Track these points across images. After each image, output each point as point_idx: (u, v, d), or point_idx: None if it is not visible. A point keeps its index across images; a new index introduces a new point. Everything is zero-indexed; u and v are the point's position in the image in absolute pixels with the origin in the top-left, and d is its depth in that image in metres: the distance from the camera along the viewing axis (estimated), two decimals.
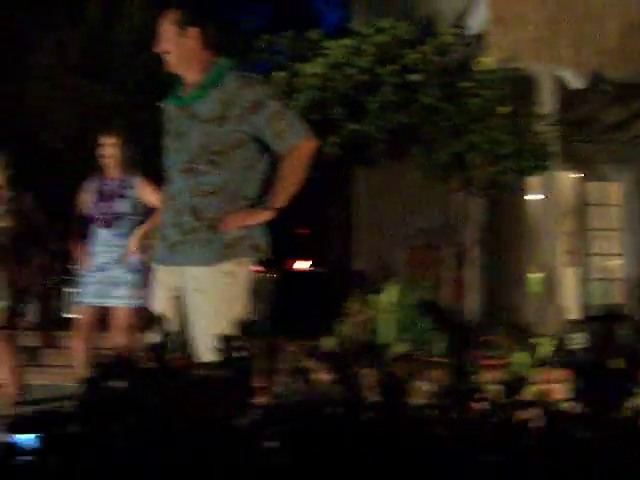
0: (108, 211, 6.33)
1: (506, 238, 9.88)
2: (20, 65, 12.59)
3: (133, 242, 6.20)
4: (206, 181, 3.52)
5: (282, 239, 6.65)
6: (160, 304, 3.64)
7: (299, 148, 3.55)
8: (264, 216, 3.53)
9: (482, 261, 9.13)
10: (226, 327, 3.36)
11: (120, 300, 6.23)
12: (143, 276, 6.28)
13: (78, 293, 6.36)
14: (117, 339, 6.26)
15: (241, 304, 3.56)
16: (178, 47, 3.61)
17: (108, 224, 6.31)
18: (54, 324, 9.23)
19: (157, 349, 1.22)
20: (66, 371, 7.20)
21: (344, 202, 15.66)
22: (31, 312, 6.94)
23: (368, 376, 1.20)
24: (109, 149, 6.34)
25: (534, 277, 8.95)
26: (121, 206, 6.32)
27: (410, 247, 10.80)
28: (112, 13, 13.48)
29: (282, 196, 3.53)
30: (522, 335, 6.86)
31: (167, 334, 1.30)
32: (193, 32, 3.61)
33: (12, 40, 12.66)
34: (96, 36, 12.94)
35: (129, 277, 6.23)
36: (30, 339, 8.51)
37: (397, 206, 11.22)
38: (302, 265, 26.03)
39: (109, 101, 12.16)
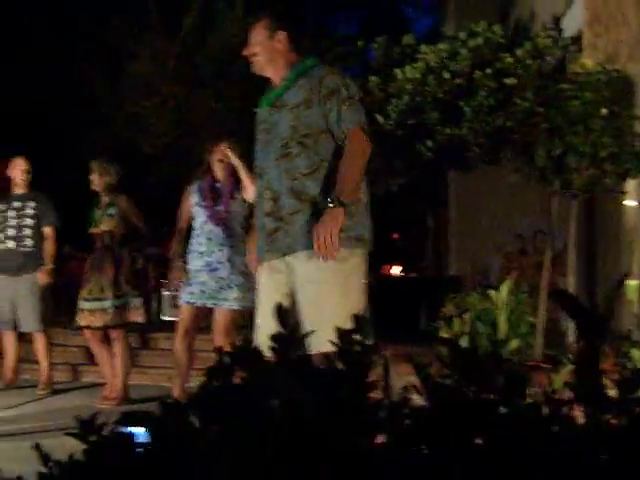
0: (219, 211, 6.43)
1: (603, 244, 9.68)
2: (118, 74, 12.91)
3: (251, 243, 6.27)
4: (301, 163, 3.62)
5: (377, 244, 6.66)
6: (270, 297, 3.60)
7: (351, 137, 3.63)
8: (340, 215, 3.49)
9: (578, 267, 8.96)
10: (343, 318, 3.39)
11: (227, 302, 6.29)
12: (251, 278, 6.37)
13: (185, 293, 6.41)
14: (219, 341, 6.31)
15: (356, 294, 3.58)
16: (266, 50, 3.80)
17: (219, 224, 6.39)
18: (154, 326, 9.39)
19: (280, 341, 1.24)
20: (166, 372, 7.37)
21: (439, 207, 15.61)
22: (132, 313, 7.10)
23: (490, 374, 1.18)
24: (221, 154, 6.46)
25: (632, 284, 8.73)
26: (232, 206, 6.42)
27: (505, 252, 10.69)
28: (207, 22, 13.72)
29: (346, 189, 3.55)
30: (620, 341, 6.71)
31: (287, 326, 1.31)
32: (281, 35, 3.80)
33: (111, 50, 13.00)
34: (191, 45, 13.20)
35: (238, 278, 6.28)
36: (130, 340, 8.69)
37: (492, 211, 11.10)
38: (397, 270, 25.91)
39: (204, 108, 12.39)
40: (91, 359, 8.23)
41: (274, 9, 4.07)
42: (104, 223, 7.24)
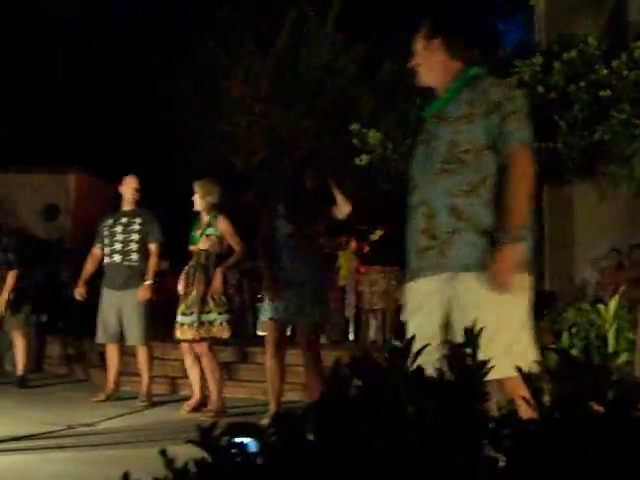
0: (303, 228, 6.49)
1: None
2: (213, 93, 13.16)
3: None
4: (461, 180, 3.46)
5: None
6: (425, 318, 3.50)
7: (515, 157, 3.44)
8: (516, 253, 3.32)
9: None
10: (510, 342, 3.24)
11: (309, 317, 6.36)
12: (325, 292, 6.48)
13: (271, 309, 6.50)
14: (306, 355, 6.40)
15: (522, 318, 3.40)
16: (425, 59, 3.74)
17: (301, 241, 6.46)
18: (248, 340, 9.49)
19: (398, 352, 1.28)
20: (262, 386, 7.46)
21: (535, 221, 15.39)
22: (218, 329, 7.23)
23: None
24: (313, 172, 6.56)
25: None
26: (320, 225, 6.50)
27: (602, 267, 10.49)
28: (298, 41, 13.88)
29: (517, 220, 3.36)
30: None
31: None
32: (438, 43, 3.72)
33: (206, 70, 13.29)
34: (283, 63, 13.37)
35: (319, 294, 6.37)
36: (226, 354, 8.82)
37: (587, 225, 10.92)
38: None
39: (297, 126, 12.53)
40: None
41: (434, 16, 3.89)
42: (202, 242, 7.39)
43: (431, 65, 3.74)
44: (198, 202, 7.48)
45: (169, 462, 1.48)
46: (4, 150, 15.66)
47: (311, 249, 6.42)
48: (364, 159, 9.35)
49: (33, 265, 11.06)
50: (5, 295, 8.76)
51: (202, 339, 7.24)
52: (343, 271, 12.02)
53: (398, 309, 11.60)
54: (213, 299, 7.25)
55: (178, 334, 7.34)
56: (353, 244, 11.86)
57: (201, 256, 7.37)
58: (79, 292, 8.17)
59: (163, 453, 1.51)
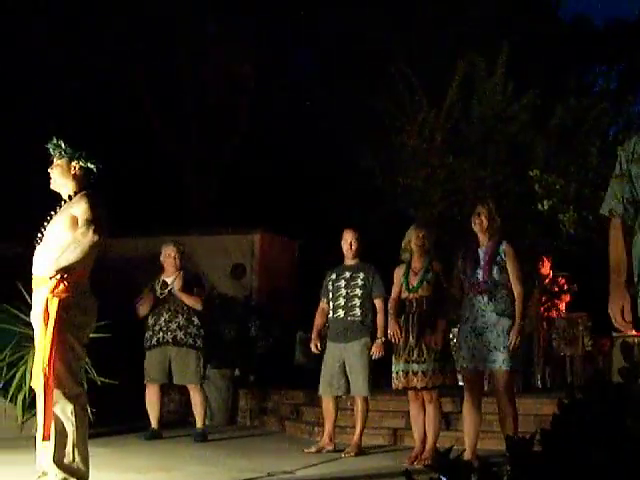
0: (478, 281, 6.56)
1: None
2: (391, 151, 13.43)
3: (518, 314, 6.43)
4: None
5: None
6: None
7: None
8: None
9: None
10: None
11: (496, 364, 6.40)
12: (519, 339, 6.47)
13: (459, 358, 6.61)
14: (500, 402, 6.43)
15: None
16: None
17: (482, 292, 6.53)
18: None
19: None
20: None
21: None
22: (446, 376, 7.29)
23: None
24: (482, 215, 6.63)
25: None
26: (494, 273, 6.53)
27: None
28: (469, 91, 13.99)
29: None
30: None
31: None
32: None
33: (381, 125, 13.60)
34: (456, 114, 13.46)
35: (505, 341, 6.39)
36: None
37: None
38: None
39: (472, 175, 12.56)
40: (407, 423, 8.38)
41: None
42: (422, 289, 7.47)
43: None
44: (416, 245, 7.53)
45: None
46: (198, 213, 16.57)
47: (488, 298, 6.49)
48: (546, 204, 9.30)
49: (221, 322, 11.56)
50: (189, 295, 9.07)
51: (434, 387, 7.31)
52: (528, 317, 11.88)
53: (586, 355, 11.37)
54: (437, 345, 7.28)
55: (399, 383, 7.43)
56: (536, 290, 11.72)
57: (422, 302, 7.44)
58: (314, 345, 8.42)
59: (407, 473, 1.66)
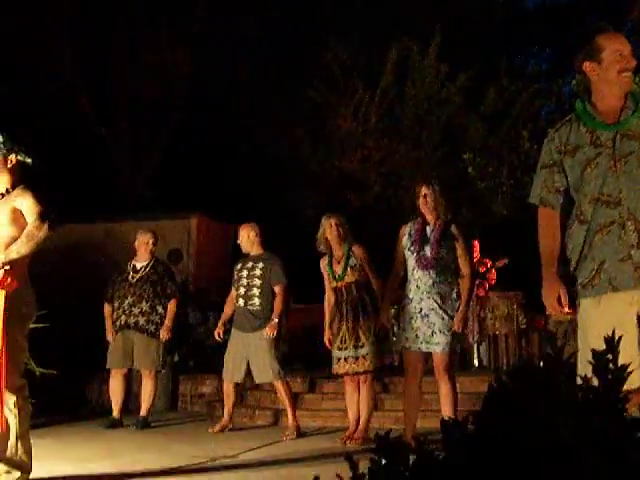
0: (426, 257, 6.64)
1: None
2: (325, 133, 13.48)
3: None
4: None
5: None
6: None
7: None
8: None
9: None
10: None
11: (439, 346, 6.47)
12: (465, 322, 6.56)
13: (402, 339, 6.66)
14: (440, 382, 6.52)
15: None
16: None
17: (426, 269, 6.57)
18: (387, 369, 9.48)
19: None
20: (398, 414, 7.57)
21: None
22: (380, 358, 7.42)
23: None
24: (429, 197, 6.68)
25: None
26: (440, 252, 6.60)
27: None
28: (402, 74, 14.10)
29: None
30: None
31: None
32: None
33: (315, 110, 13.65)
34: (390, 98, 13.58)
35: (449, 323, 6.46)
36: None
37: None
38: None
39: (406, 157, 12.71)
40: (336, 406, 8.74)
41: None
42: (347, 276, 7.52)
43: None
44: (329, 235, 7.63)
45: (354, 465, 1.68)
46: (131, 198, 16.42)
47: (435, 279, 6.54)
48: (480, 186, 9.45)
49: None
50: (169, 323, 9.09)
51: (369, 371, 7.41)
52: None
53: (521, 333, 11.59)
54: (364, 332, 7.36)
55: (339, 369, 7.51)
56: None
57: (352, 289, 7.53)
58: (216, 333, 8.64)
59: (349, 457, 1.71)
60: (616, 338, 1.77)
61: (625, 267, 3.55)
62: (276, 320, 8.21)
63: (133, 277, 9.12)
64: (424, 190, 6.70)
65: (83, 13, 16.66)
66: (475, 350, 11.64)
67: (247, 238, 8.57)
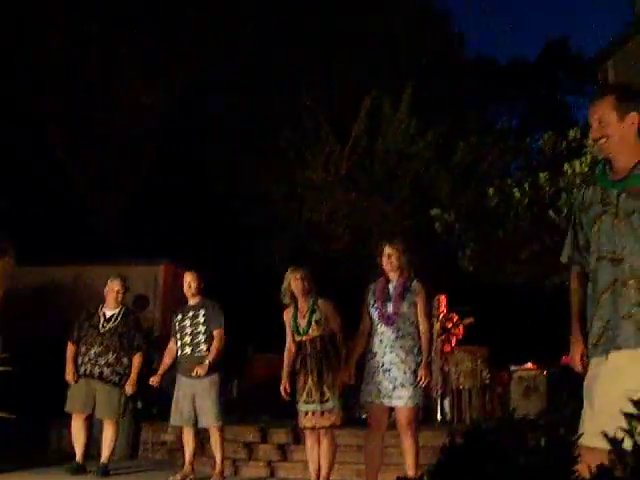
0: (388, 313, 6.71)
1: None
2: (296, 184, 13.57)
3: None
4: None
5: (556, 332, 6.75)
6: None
7: None
8: None
9: None
10: None
11: (401, 400, 6.50)
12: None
13: (365, 393, 6.69)
14: (403, 437, 6.54)
15: None
16: (619, 132, 3.68)
17: (388, 325, 6.65)
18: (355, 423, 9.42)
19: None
20: (357, 468, 7.57)
21: None
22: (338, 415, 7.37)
23: None
24: (393, 257, 6.77)
25: None
26: (402, 308, 6.68)
27: None
28: (374, 127, 14.26)
29: None
30: None
31: None
32: (632, 118, 3.69)
33: (286, 161, 13.75)
34: (361, 150, 13.72)
35: (410, 378, 6.51)
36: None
37: None
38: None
39: (376, 211, 12.81)
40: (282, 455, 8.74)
41: (621, 86, 3.88)
42: (312, 330, 7.51)
43: (623, 140, 3.71)
44: (295, 288, 7.62)
45: None
46: (99, 243, 16.38)
47: (397, 334, 6.61)
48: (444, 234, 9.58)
49: None
50: (134, 377, 9.05)
51: (334, 425, 7.38)
52: None
53: (484, 388, 11.66)
54: (329, 386, 7.35)
55: (305, 422, 7.41)
56: (438, 326, 11.97)
57: (316, 343, 7.44)
58: (153, 380, 8.72)
59: None
60: None
61: (626, 325, 3.56)
62: (209, 361, 8.31)
63: (104, 326, 9.09)
64: (387, 250, 6.79)
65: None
66: (438, 404, 11.67)
67: (188, 287, 8.69)
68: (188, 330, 8.55)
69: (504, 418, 1.77)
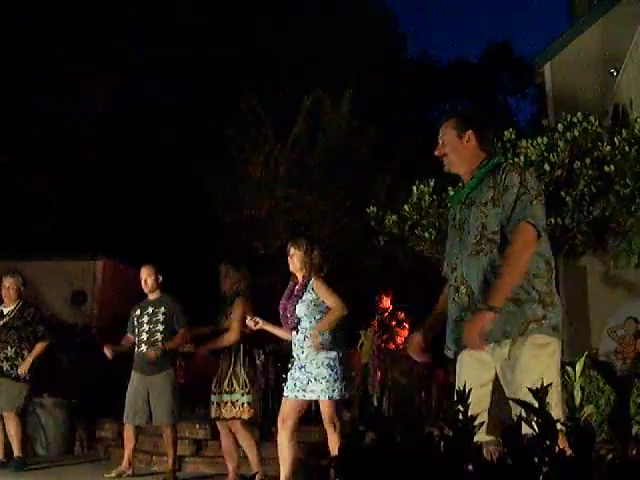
0: (287, 318, 6.75)
1: None
2: (236, 181, 13.58)
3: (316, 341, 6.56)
4: (492, 260, 3.77)
5: None
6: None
7: (517, 232, 3.71)
8: (485, 319, 3.61)
9: None
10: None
11: (315, 394, 6.55)
12: (338, 370, 6.64)
13: (286, 388, 6.76)
14: (327, 430, 6.60)
15: (553, 378, 3.56)
16: (457, 149, 4.04)
17: (294, 326, 6.71)
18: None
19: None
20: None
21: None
22: (240, 410, 7.47)
23: None
24: (295, 257, 6.80)
25: None
26: (300, 309, 6.67)
27: (620, 336, 10.67)
28: (314, 126, 14.33)
29: (499, 293, 3.65)
30: None
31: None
32: (469, 135, 4.02)
33: (228, 158, 13.75)
34: (301, 148, 13.77)
35: (323, 372, 6.53)
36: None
37: (602, 295, 11.15)
38: None
39: (315, 209, 12.88)
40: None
41: (466, 110, 4.25)
42: (225, 322, 7.66)
43: (462, 155, 4.05)
44: (224, 285, 7.79)
45: None
46: (36, 238, 16.18)
47: (302, 335, 6.66)
48: (382, 241, 9.67)
49: (60, 351, 11.35)
50: (29, 359, 8.97)
51: (232, 418, 7.47)
52: (365, 349, 12.20)
53: (421, 385, 11.80)
54: (237, 380, 7.46)
55: (211, 412, 7.61)
56: (375, 323, 12.06)
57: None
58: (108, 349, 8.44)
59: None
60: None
61: (460, 328, 3.82)
62: (161, 345, 8.24)
63: None
64: (290, 250, 6.82)
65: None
66: (376, 401, 11.76)
67: (144, 284, 8.54)
68: (146, 327, 8.39)
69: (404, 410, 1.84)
